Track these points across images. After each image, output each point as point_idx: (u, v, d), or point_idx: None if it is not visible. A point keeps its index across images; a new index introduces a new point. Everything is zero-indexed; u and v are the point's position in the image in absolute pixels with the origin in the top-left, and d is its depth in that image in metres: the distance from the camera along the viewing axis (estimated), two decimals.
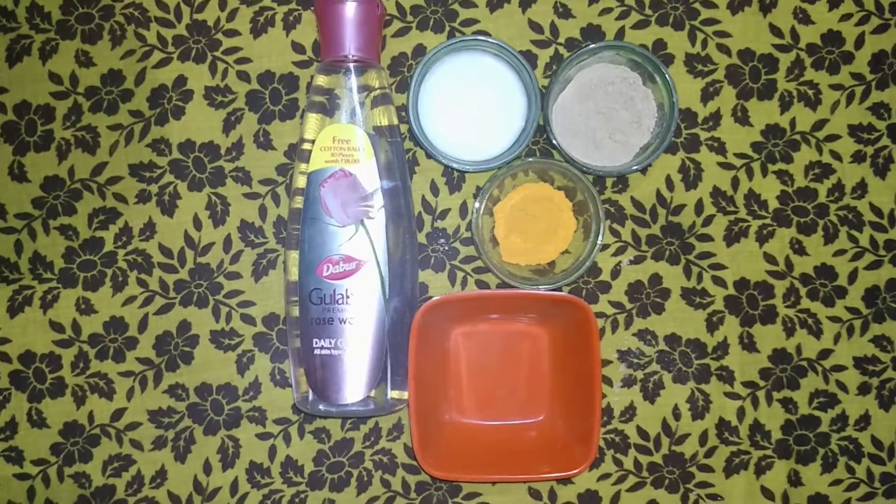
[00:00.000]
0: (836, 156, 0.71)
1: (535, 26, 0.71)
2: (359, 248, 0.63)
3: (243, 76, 0.70)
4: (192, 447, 0.69)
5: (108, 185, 0.70)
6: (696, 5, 0.71)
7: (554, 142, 0.66)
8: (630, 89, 0.68)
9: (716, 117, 0.71)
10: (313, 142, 0.64)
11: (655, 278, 0.70)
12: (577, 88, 0.68)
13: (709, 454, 0.70)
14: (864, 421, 0.70)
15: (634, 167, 0.67)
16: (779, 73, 0.71)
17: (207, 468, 0.69)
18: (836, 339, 0.70)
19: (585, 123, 0.68)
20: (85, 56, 0.70)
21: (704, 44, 0.71)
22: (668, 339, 0.70)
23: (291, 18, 0.70)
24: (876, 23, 0.71)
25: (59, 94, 0.70)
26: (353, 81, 0.64)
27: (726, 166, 0.71)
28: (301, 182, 0.64)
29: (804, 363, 0.70)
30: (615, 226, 0.70)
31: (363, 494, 0.69)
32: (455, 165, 0.67)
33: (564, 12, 0.71)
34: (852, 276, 0.70)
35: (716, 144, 0.70)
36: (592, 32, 0.71)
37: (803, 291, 0.70)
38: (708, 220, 0.70)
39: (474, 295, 0.68)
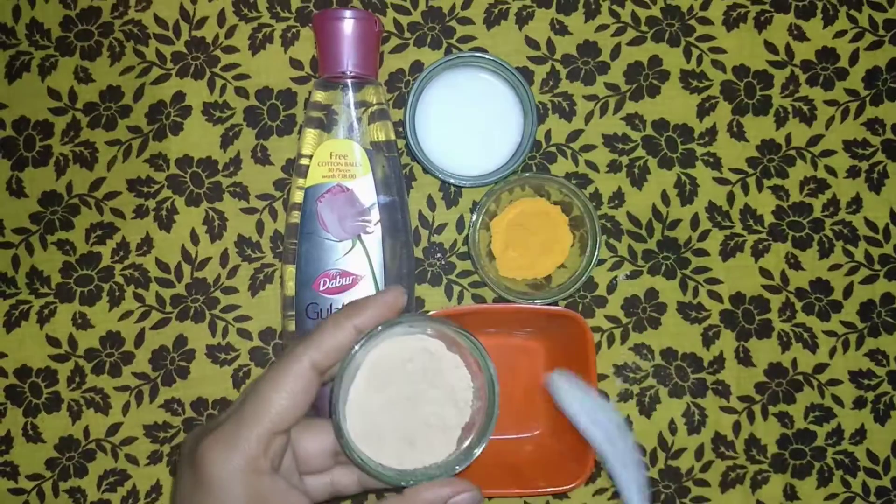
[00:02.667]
0: (832, 171, 0.71)
1: (531, 43, 0.71)
2: (355, 262, 0.63)
3: (241, 92, 0.71)
4: None
5: (105, 200, 0.70)
6: (692, 22, 0.71)
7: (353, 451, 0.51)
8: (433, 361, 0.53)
9: (711, 133, 0.71)
10: (311, 157, 0.64)
11: (651, 293, 0.70)
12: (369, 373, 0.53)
13: (705, 468, 0.70)
14: (860, 435, 0.70)
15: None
16: (774, 90, 0.71)
17: None
18: (832, 353, 0.70)
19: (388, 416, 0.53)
20: (84, 72, 0.71)
21: (700, 60, 0.71)
22: (665, 353, 0.70)
23: (289, 35, 0.71)
24: (870, 39, 0.72)
25: (58, 110, 0.70)
26: (351, 97, 0.64)
27: (722, 181, 0.71)
28: (298, 197, 0.64)
29: (800, 377, 0.70)
30: (611, 241, 0.70)
31: None
32: (452, 180, 0.67)
33: (561, 29, 0.71)
34: (847, 291, 0.71)
35: (711, 160, 0.71)
36: (589, 49, 0.71)
37: (799, 306, 0.71)
38: (704, 235, 0.71)
39: (471, 309, 0.68)
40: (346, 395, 0.49)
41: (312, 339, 0.48)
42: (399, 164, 0.67)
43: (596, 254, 0.66)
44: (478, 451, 0.50)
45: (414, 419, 0.51)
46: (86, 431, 0.69)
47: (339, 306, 0.63)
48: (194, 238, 0.70)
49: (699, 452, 0.70)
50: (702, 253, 0.71)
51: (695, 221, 0.71)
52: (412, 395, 0.51)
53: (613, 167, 0.71)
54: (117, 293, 0.70)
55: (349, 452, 0.49)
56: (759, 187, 0.71)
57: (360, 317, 0.49)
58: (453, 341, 0.51)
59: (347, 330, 0.48)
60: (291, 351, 0.48)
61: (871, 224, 0.71)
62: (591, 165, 0.71)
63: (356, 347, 0.48)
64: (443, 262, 0.70)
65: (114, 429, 0.69)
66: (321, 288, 0.63)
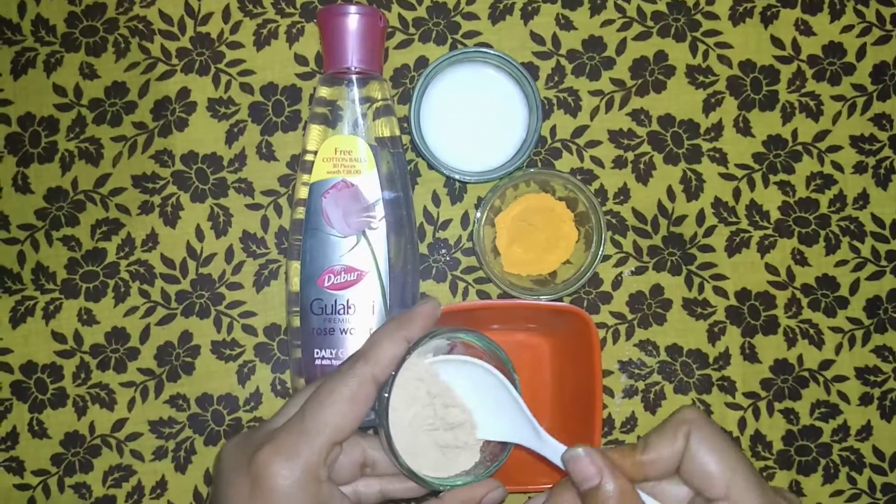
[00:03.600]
0: (838, 166, 0.71)
1: (536, 38, 0.71)
2: (360, 258, 0.63)
3: (246, 88, 0.71)
4: (192, 458, 0.69)
5: (111, 196, 0.70)
6: (698, 17, 0.71)
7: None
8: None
9: (717, 128, 0.71)
10: (315, 153, 0.64)
11: (657, 289, 0.70)
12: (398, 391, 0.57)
13: None
14: (866, 431, 0.70)
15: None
16: (780, 85, 0.71)
17: (208, 479, 0.69)
18: (838, 349, 0.70)
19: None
20: (89, 68, 0.71)
21: (706, 55, 0.71)
22: (670, 349, 0.70)
23: (294, 31, 0.71)
24: (877, 34, 0.71)
25: (64, 106, 0.70)
26: (356, 93, 0.64)
27: (728, 177, 0.71)
28: (303, 193, 0.64)
29: (805, 374, 0.70)
30: (616, 236, 0.70)
31: None
32: (456, 176, 0.67)
33: (566, 24, 0.71)
34: (854, 287, 0.70)
35: (717, 155, 0.71)
36: (594, 44, 0.71)
37: (805, 302, 0.70)
38: (709, 231, 0.70)
39: (475, 305, 0.68)
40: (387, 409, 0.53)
41: (370, 353, 0.52)
42: (404, 159, 0.67)
43: (601, 250, 0.66)
44: (504, 457, 0.55)
45: (439, 435, 0.55)
46: (91, 427, 0.69)
47: (344, 302, 0.63)
48: (199, 234, 0.70)
49: None
50: (707, 249, 0.70)
51: (700, 217, 0.70)
52: (432, 415, 0.55)
53: (619, 163, 0.71)
54: (122, 289, 0.70)
55: (399, 463, 0.52)
56: (766, 183, 0.71)
57: (411, 329, 0.52)
58: (488, 354, 0.55)
59: (401, 343, 0.52)
60: (351, 366, 0.51)
61: (877, 220, 0.71)
62: (597, 161, 0.71)
63: (409, 357, 0.52)
64: (447, 258, 0.70)
65: (119, 424, 0.69)
66: (326, 284, 0.63)
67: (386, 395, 0.52)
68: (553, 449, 0.53)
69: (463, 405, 0.55)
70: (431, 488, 0.53)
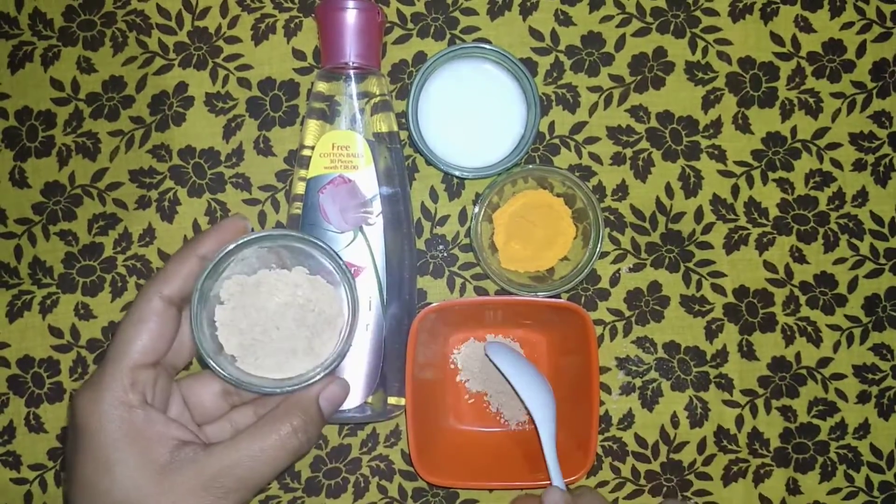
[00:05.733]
0: (837, 164, 0.71)
1: (535, 34, 0.71)
2: (357, 254, 0.63)
3: (244, 83, 0.70)
4: None
5: (108, 190, 0.70)
6: (697, 13, 0.71)
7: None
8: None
9: (716, 125, 0.71)
10: (313, 148, 0.64)
11: (655, 286, 0.70)
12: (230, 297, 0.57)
13: (707, 462, 0.70)
14: (864, 429, 0.70)
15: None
16: (780, 82, 0.71)
17: None
18: (836, 347, 0.70)
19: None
20: (86, 62, 0.70)
21: (705, 52, 0.71)
22: (667, 346, 0.70)
23: (292, 25, 0.70)
24: (877, 31, 0.71)
25: (61, 101, 0.70)
26: (354, 88, 0.64)
27: (726, 174, 0.70)
28: (300, 188, 0.64)
29: (803, 371, 0.70)
30: (615, 233, 0.70)
31: (360, 501, 0.69)
32: (455, 172, 0.67)
33: (565, 20, 0.71)
34: (852, 285, 0.70)
35: (716, 152, 0.70)
36: (593, 40, 0.71)
37: (803, 299, 0.70)
38: (708, 228, 0.70)
39: (473, 302, 0.68)
40: (210, 318, 0.53)
41: (159, 274, 0.52)
42: (401, 155, 0.67)
43: (599, 246, 0.65)
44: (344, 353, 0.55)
45: (281, 339, 0.54)
46: None
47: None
48: (196, 229, 0.70)
49: (701, 446, 0.70)
50: (705, 246, 0.70)
51: (699, 214, 0.70)
52: (274, 317, 0.54)
53: (617, 159, 0.70)
54: (119, 284, 0.70)
55: (210, 366, 0.52)
56: (764, 180, 0.70)
57: (202, 245, 0.52)
58: (307, 255, 0.55)
59: (191, 260, 0.52)
60: (143, 289, 0.51)
61: (876, 217, 0.70)
62: (595, 157, 0.70)
63: (202, 276, 0.52)
64: (445, 254, 0.70)
65: None
66: None
67: (196, 308, 0.51)
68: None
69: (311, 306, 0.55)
70: (263, 393, 0.53)
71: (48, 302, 0.70)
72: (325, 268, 0.55)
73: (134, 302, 0.51)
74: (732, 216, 0.70)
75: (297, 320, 0.54)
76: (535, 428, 0.63)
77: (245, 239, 0.53)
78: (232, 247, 0.52)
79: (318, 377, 0.53)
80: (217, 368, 0.51)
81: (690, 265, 0.70)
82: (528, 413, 0.64)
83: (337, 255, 0.54)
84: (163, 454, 0.48)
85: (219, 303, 0.53)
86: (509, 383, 0.64)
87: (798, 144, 0.71)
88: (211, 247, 0.52)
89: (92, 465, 0.48)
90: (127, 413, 0.48)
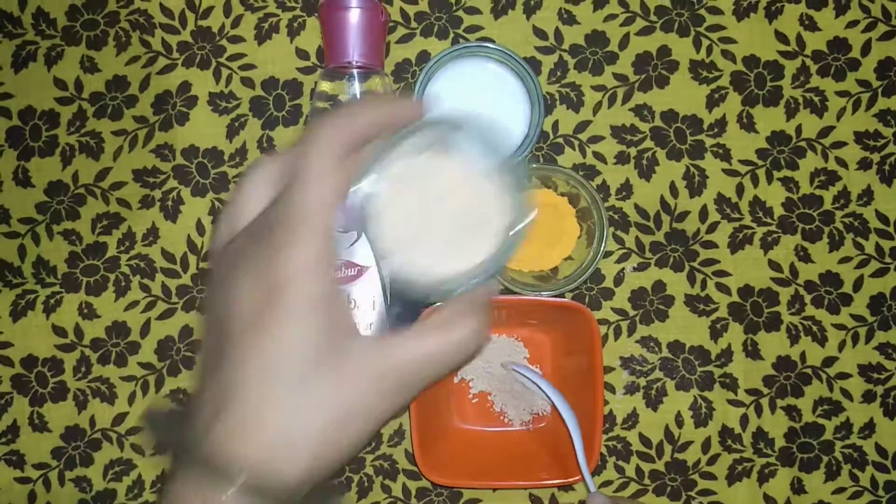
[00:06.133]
0: (842, 163, 0.70)
1: (539, 33, 0.70)
2: (361, 253, 0.63)
3: (247, 82, 0.70)
4: None
5: (111, 190, 0.70)
6: (702, 12, 0.70)
7: None
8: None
9: (721, 124, 0.70)
10: None
11: (659, 285, 0.70)
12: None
13: (711, 462, 0.69)
14: (869, 429, 0.70)
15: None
16: (784, 80, 0.70)
17: None
18: (841, 346, 0.70)
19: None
20: (90, 62, 0.70)
21: (710, 50, 0.70)
22: (672, 346, 0.70)
23: (296, 25, 0.70)
24: (882, 29, 0.71)
25: (64, 100, 0.70)
26: (357, 87, 0.64)
27: (731, 173, 0.70)
28: None
29: (808, 371, 0.70)
30: (619, 232, 0.70)
31: (364, 500, 0.69)
32: None
33: (569, 19, 0.70)
34: (857, 284, 0.70)
35: (721, 151, 0.70)
36: (597, 39, 0.70)
37: (808, 299, 0.70)
38: (712, 227, 0.70)
39: None
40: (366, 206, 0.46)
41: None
42: None
43: (603, 246, 0.65)
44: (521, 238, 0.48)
45: (438, 235, 0.48)
46: (92, 421, 0.69)
47: (346, 298, 0.63)
48: (200, 228, 0.70)
49: (706, 445, 0.69)
50: (710, 245, 0.70)
51: (703, 213, 0.70)
52: (432, 212, 0.48)
53: (621, 158, 0.70)
54: (123, 283, 0.70)
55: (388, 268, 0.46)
56: (769, 179, 0.70)
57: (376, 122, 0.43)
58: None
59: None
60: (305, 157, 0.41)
61: (882, 216, 0.70)
62: (599, 157, 0.70)
63: (374, 158, 0.45)
64: None
65: (119, 418, 0.69)
66: None
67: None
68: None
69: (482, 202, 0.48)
70: (419, 295, 0.47)
71: (52, 301, 0.70)
72: (493, 167, 0.48)
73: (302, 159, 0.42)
74: (737, 215, 0.70)
75: (455, 217, 0.48)
76: (571, 439, 0.63)
77: (421, 124, 0.46)
78: (409, 130, 0.45)
79: (477, 280, 0.47)
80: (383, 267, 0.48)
81: (695, 264, 0.70)
82: (566, 425, 0.63)
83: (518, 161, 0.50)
84: (347, 335, 0.41)
85: (376, 192, 0.46)
86: (546, 395, 0.65)
87: (803, 143, 0.70)
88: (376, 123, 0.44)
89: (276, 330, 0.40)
90: (326, 276, 0.41)
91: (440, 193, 0.48)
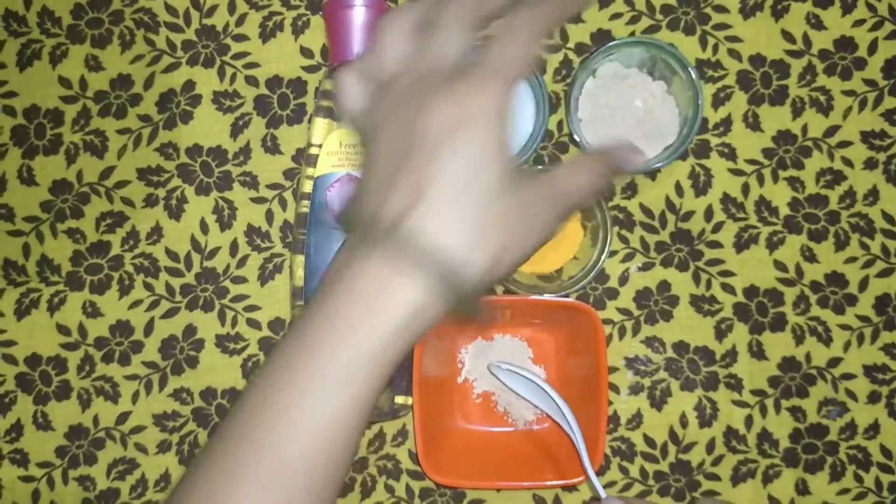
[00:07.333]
0: (848, 162, 0.70)
1: None
2: None
3: (252, 81, 0.70)
4: (196, 451, 0.69)
5: (115, 188, 0.70)
6: (708, 10, 0.70)
7: (576, 133, 0.66)
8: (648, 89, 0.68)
9: (726, 123, 0.70)
10: (321, 146, 0.64)
11: (664, 285, 0.70)
12: (602, 80, 0.68)
13: (716, 462, 0.69)
14: (874, 430, 0.69)
15: (657, 164, 0.67)
16: (790, 79, 0.70)
17: None
18: (846, 347, 0.70)
19: (612, 115, 0.68)
20: (94, 60, 0.70)
21: (715, 49, 0.70)
22: (676, 346, 0.70)
23: (300, 23, 0.70)
24: (889, 28, 0.70)
25: (69, 98, 0.70)
26: None
27: (737, 172, 0.70)
28: (308, 186, 0.64)
29: (813, 371, 0.70)
30: (624, 232, 0.70)
31: (367, 500, 0.69)
32: None
33: (575, 17, 0.70)
34: (863, 284, 0.70)
35: (726, 150, 0.70)
36: (603, 37, 0.70)
37: (813, 299, 0.70)
38: (718, 227, 0.70)
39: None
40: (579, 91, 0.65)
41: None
42: None
43: (607, 246, 0.65)
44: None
45: (620, 130, 0.65)
46: (95, 420, 0.70)
47: None
48: (204, 227, 0.70)
49: (710, 446, 0.69)
50: (715, 245, 0.70)
51: (709, 213, 0.70)
52: (623, 109, 0.67)
53: None
54: (127, 282, 0.70)
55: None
56: (775, 178, 0.70)
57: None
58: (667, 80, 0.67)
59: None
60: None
61: (888, 216, 0.70)
62: None
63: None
64: None
65: (123, 417, 0.70)
66: None
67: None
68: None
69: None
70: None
71: (56, 300, 0.70)
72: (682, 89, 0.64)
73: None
74: (742, 215, 0.70)
75: (639, 120, 0.65)
76: (575, 445, 0.62)
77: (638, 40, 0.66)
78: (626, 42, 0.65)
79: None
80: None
81: (700, 264, 0.70)
82: (570, 433, 0.63)
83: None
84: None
85: (592, 76, 0.64)
86: (546, 397, 0.64)
87: (809, 143, 0.70)
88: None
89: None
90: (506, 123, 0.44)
91: (636, 98, 0.67)
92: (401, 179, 0.42)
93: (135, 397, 0.70)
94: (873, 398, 0.69)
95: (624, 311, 0.70)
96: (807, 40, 0.70)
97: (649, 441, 0.69)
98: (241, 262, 0.70)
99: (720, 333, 0.70)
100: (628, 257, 0.70)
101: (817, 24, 0.70)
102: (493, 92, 0.43)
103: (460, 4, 0.44)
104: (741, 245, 0.70)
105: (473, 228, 0.42)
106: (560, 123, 0.70)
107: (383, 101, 0.45)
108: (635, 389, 0.70)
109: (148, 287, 0.70)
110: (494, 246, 0.43)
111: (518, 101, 0.67)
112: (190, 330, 0.70)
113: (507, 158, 0.43)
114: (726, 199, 0.70)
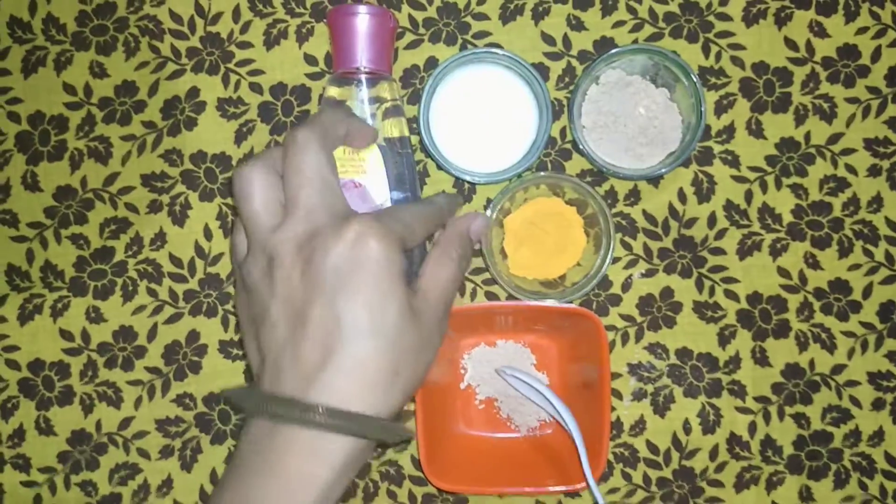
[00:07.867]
0: (852, 170, 0.70)
1: (547, 39, 0.70)
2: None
3: (256, 88, 0.70)
4: (198, 456, 0.69)
5: (119, 195, 0.70)
6: (710, 18, 0.70)
7: (579, 141, 0.67)
8: (650, 95, 0.68)
9: (730, 130, 0.70)
10: None
11: (667, 292, 0.70)
12: (606, 87, 0.68)
13: (719, 469, 0.69)
14: (878, 437, 0.69)
15: (660, 170, 0.67)
16: (794, 87, 0.70)
17: (214, 477, 0.69)
18: (850, 354, 0.69)
19: (615, 122, 0.68)
20: (99, 67, 0.71)
21: (718, 56, 0.70)
22: (680, 352, 0.70)
23: (304, 31, 0.71)
24: (893, 36, 0.70)
25: (73, 105, 0.71)
26: (365, 93, 0.64)
27: (740, 179, 0.70)
28: None
29: (817, 378, 0.69)
30: (627, 239, 0.70)
31: None
32: (466, 177, 0.67)
33: (577, 25, 0.70)
34: (867, 291, 0.70)
35: (729, 157, 0.70)
36: (605, 45, 0.70)
37: (817, 306, 0.70)
38: (721, 234, 0.70)
39: (484, 307, 0.67)
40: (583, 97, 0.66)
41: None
42: (413, 160, 0.66)
43: (610, 252, 0.65)
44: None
45: (624, 134, 0.66)
46: (98, 425, 0.70)
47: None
48: (207, 233, 0.70)
49: (714, 453, 0.69)
50: (718, 252, 0.70)
51: (712, 220, 0.70)
52: (627, 115, 0.67)
53: None
54: (130, 288, 0.70)
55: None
56: (778, 186, 0.70)
57: None
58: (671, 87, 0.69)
59: None
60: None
61: (891, 223, 0.70)
62: None
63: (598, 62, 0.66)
64: None
65: (126, 423, 0.70)
66: None
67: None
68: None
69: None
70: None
71: (59, 305, 0.70)
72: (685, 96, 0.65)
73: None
74: (746, 222, 0.70)
75: (641, 127, 0.66)
76: (578, 453, 0.63)
77: (641, 47, 0.67)
78: (629, 49, 0.66)
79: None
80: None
81: (703, 271, 0.70)
82: (573, 440, 0.63)
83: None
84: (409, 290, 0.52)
85: (595, 83, 0.67)
86: (549, 402, 0.65)
87: (812, 150, 0.70)
88: None
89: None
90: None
91: (639, 104, 0.68)
92: (303, 342, 0.48)
93: (137, 403, 0.70)
94: (877, 405, 0.69)
95: (627, 318, 0.70)
96: (810, 48, 0.70)
97: (652, 447, 0.69)
98: None
99: (723, 340, 0.69)
100: (631, 264, 0.70)
101: (820, 32, 0.70)
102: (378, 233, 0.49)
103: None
104: (744, 252, 0.70)
105: (380, 384, 0.48)
106: (563, 130, 0.70)
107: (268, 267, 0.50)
108: (638, 396, 0.70)
109: (151, 293, 0.70)
110: (402, 386, 0.49)
111: (521, 108, 0.67)
112: (193, 335, 0.70)
113: (402, 291, 0.49)
114: (729, 206, 0.70)
